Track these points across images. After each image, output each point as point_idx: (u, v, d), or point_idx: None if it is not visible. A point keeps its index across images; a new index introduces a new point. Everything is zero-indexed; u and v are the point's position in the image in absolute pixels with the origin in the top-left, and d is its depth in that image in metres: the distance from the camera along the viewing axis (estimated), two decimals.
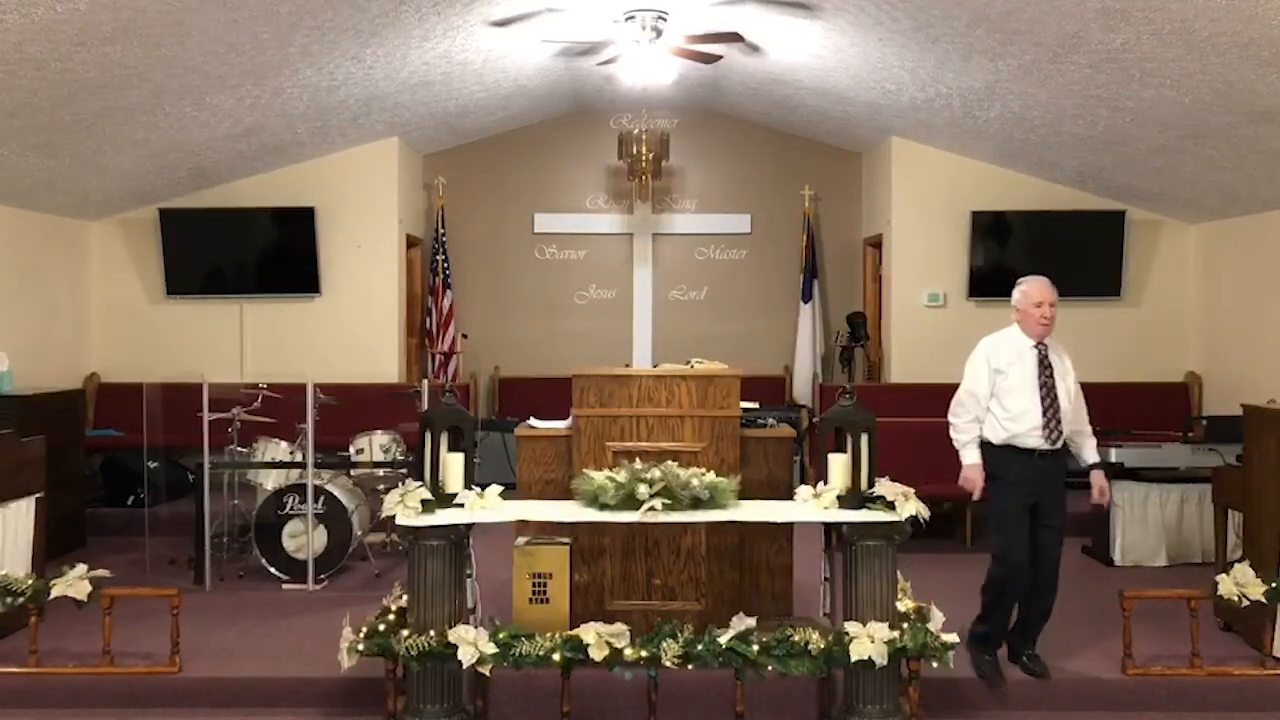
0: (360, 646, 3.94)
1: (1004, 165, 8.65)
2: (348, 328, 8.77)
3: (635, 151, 9.22)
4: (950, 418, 4.58)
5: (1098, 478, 4.58)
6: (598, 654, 3.83)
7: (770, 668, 3.84)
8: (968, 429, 4.53)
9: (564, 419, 4.84)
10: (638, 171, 9.31)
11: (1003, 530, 4.46)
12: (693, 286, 9.93)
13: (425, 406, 6.30)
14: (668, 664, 3.83)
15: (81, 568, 4.58)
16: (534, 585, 4.33)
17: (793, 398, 9.48)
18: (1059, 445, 4.44)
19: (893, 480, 4.02)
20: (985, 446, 4.53)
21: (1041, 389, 4.45)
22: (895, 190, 8.88)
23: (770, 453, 4.78)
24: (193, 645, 4.71)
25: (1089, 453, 4.61)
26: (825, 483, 4.08)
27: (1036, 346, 4.53)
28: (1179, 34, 5.05)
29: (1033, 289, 4.56)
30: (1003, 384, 4.48)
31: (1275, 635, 4.61)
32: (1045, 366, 4.49)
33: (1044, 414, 4.41)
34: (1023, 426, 4.41)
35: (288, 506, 5.97)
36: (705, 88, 8.76)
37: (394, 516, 3.95)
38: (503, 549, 4.72)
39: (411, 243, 9.41)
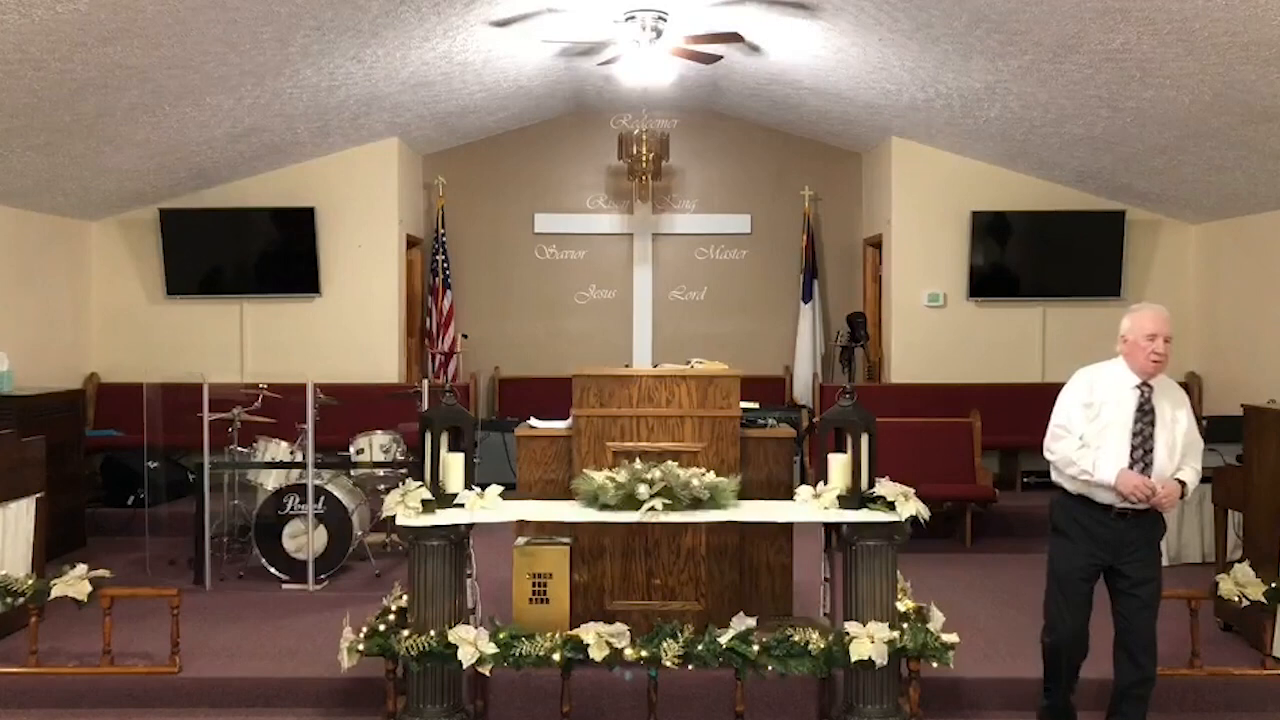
0: (360, 646, 3.94)
1: (1004, 165, 8.65)
2: (348, 328, 8.76)
3: (635, 151, 9.22)
4: (1048, 454, 3.94)
5: (1169, 484, 3.79)
6: (598, 654, 3.83)
7: (770, 668, 3.84)
8: (1077, 456, 3.82)
9: (564, 419, 4.84)
10: (638, 171, 9.31)
11: (1054, 594, 3.97)
12: (693, 286, 9.93)
13: (425, 406, 6.31)
14: (668, 664, 3.83)
15: (81, 568, 4.58)
16: (534, 585, 4.34)
17: (793, 398, 9.48)
18: (1144, 505, 3.78)
19: (893, 480, 4.02)
20: (1060, 494, 3.96)
21: (1135, 437, 3.80)
22: (895, 190, 8.88)
23: (770, 453, 4.78)
24: (193, 645, 4.72)
25: (1182, 472, 3.85)
26: (825, 483, 4.08)
27: (1140, 386, 3.84)
28: (1179, 34, 5.05)
29: (1146, 318, 3.83)
30: (1091, 423, 3.85)
31: (1275, 635, 4.62)
32: (1146, 411, 3.82)
33: (1130, 467, 3.77)
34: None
35: (288, 506, 5.97)
36: (705, 88, 8.76)
37: (394, 516, 3.96)
38: (503, 549, 4.72)
39: (411, 243, 9.41)
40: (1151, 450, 3.79)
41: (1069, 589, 3.90)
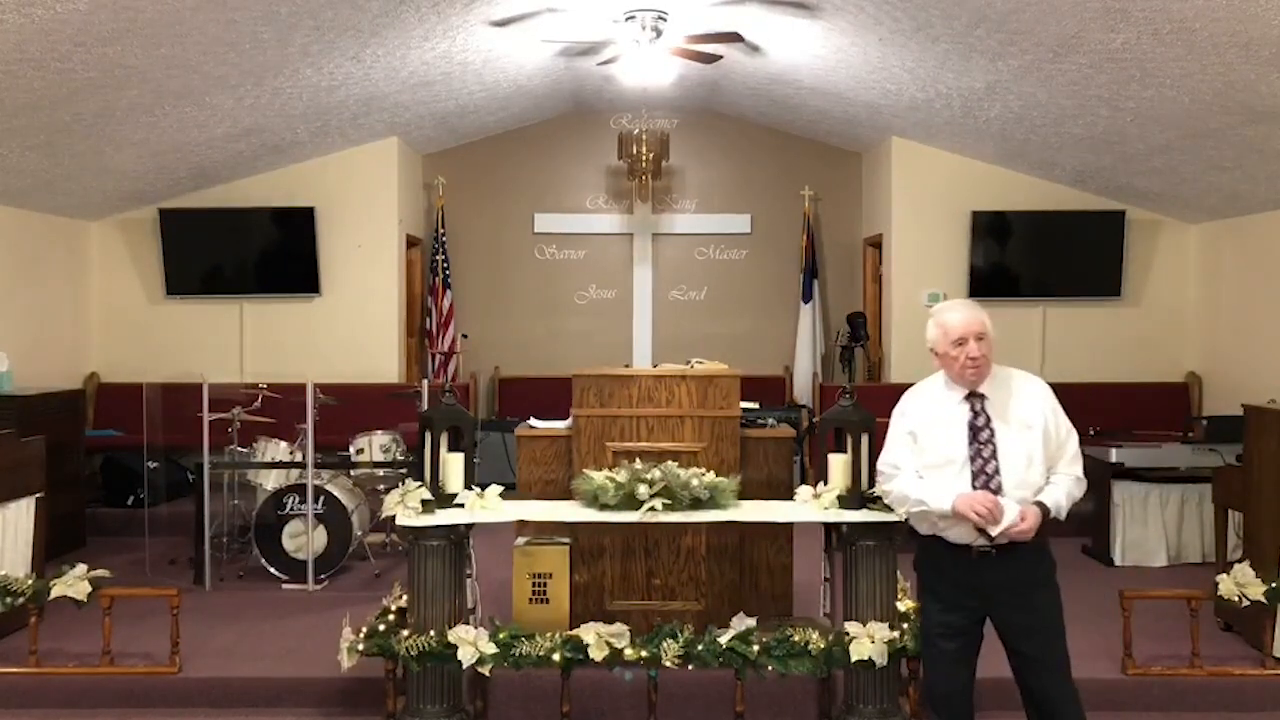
0: (360, 646, 3.95)
1: (1004, 165, 8.65)
2: (348, 328, 8.76)
3: (635, 151, 9.22)
4: (885, 499, 3.51)
5: (1026, 509, 3.11)
6: (598, 654, 3.84)
7: (770, 668, 3.85)
8: (910, 489, 3.25)
9: (564, 419, 4.84)
10: (638, 171, 9.31)
11: (925, 656, 3.44)
12: (693, 286, 9.93)
13: (425, 406, 6.31)
14: (668, 664, 3.84)
15: (81, 568, 4.59)
16: (534, 585, 4.34)
17: (793, 398, 9.47)
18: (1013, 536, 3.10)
19: None
20: (916, 538, 3.38)
21: (974, 461, 3.15)
22: (895, 190, 8.88)
23: (770, 453, 4.78)
24: (193, 645, 4.72)
25: (1044, 493, 3.18)
26: (825, 483, 4.08)
27: (968, 399, 3.21)
28: (1179, 34, 5.05)
29: (950, 321, 3.22)
30: (921, 456, 3.26)
31: (1275, 635, 4.61)
32: (980, 428, 3.17)
33: None
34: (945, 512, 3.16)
35: (288, 506, 5.97)
36: (705, 88, 8.76)
37: (394, 516, 3.96)
38: (503, 549, 4.72)
39: (411, 243, 9.41)
40: (997, 473, 3.12)
41: (932, 646, 3.34)
